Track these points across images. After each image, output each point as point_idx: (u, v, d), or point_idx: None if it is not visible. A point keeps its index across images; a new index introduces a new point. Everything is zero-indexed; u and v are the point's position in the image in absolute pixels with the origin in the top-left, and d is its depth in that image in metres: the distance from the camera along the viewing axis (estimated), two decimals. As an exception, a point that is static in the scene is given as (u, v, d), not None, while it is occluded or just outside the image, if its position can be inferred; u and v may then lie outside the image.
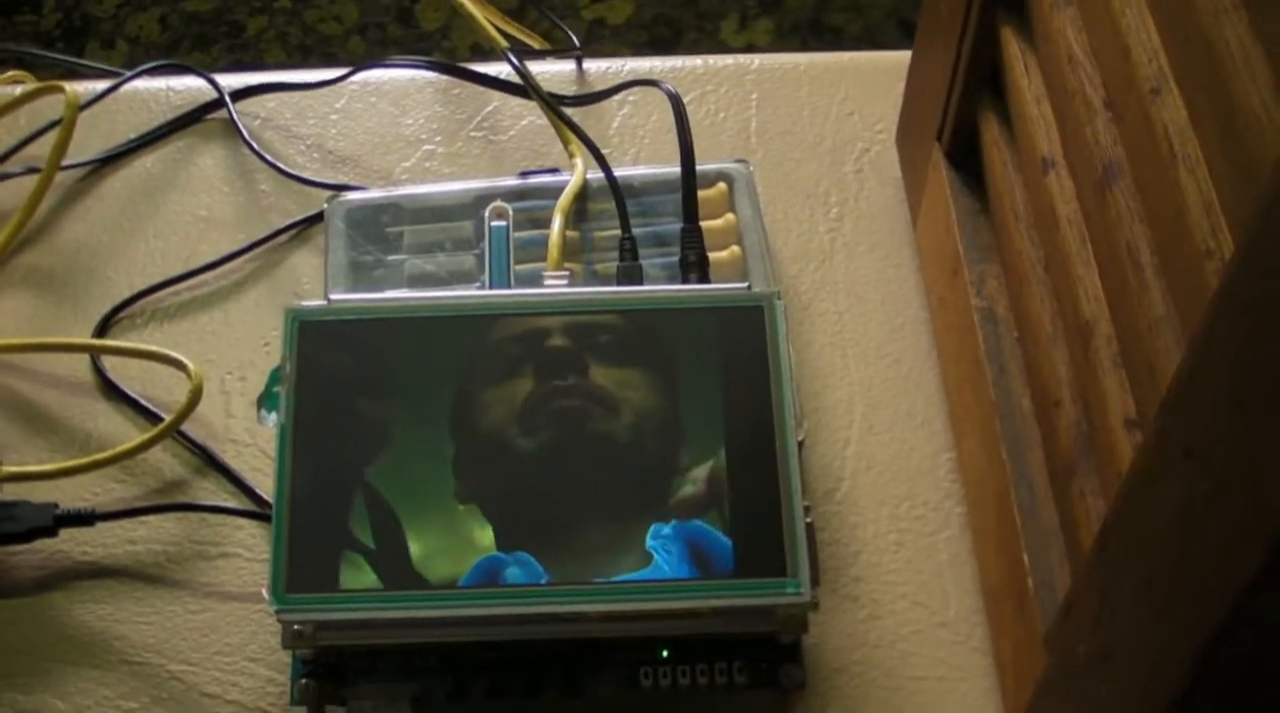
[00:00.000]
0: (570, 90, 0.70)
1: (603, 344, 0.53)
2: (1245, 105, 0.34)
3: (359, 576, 0.50)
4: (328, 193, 0.64)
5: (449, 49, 1.67)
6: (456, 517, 0.51)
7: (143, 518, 0.57)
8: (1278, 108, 0.34)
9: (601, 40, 1.68)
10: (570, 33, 0.72)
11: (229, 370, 0.61)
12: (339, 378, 0.53)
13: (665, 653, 0.51)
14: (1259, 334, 0.30)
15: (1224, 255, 0.36)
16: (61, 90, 0.66)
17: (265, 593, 0.50)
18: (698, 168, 0.61)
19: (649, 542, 0.50)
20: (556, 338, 0.53)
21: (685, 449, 0.52)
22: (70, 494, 0.58)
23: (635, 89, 0.68)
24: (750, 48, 1.66)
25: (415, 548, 0.50)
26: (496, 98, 0.69)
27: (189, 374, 0.58)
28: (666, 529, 0.50)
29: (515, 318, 0.54)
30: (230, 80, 0.70)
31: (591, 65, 0.71)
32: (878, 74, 0.69)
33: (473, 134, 0.68)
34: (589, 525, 0.51)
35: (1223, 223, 0.37)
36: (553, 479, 0.51)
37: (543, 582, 0.50)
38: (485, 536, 0.50)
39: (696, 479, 0.51)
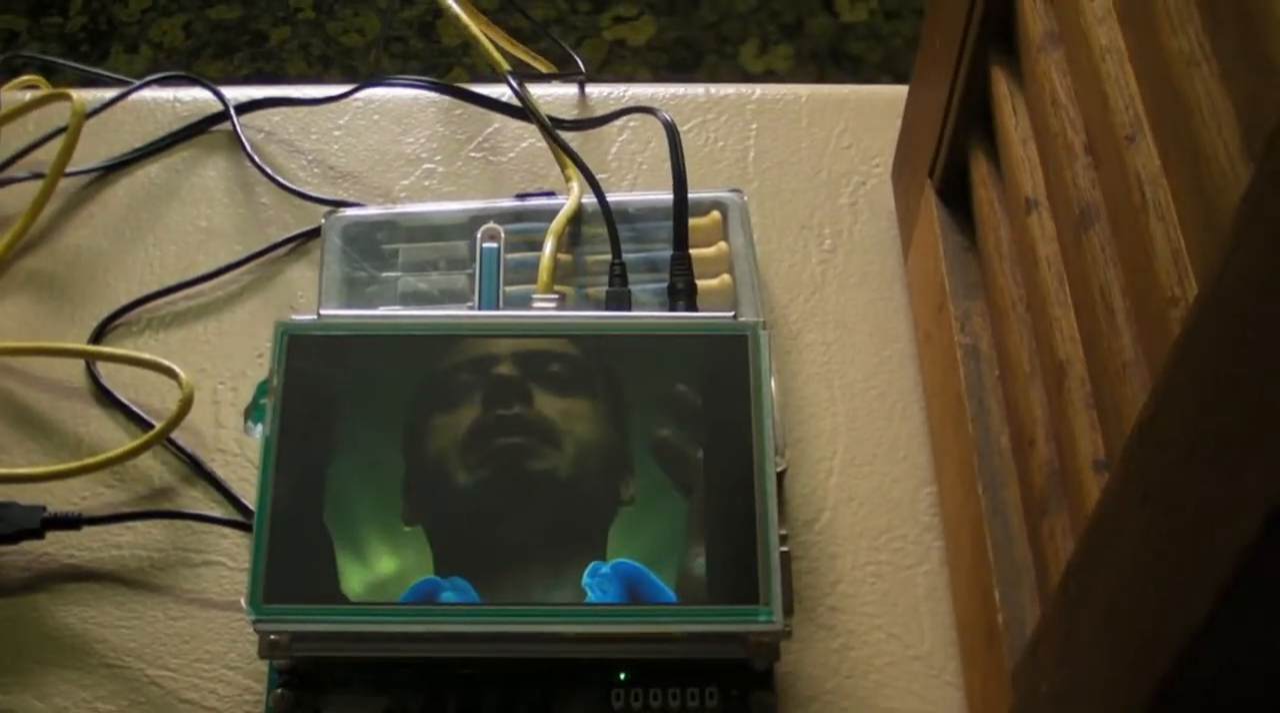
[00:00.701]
0: (572, 115, 0.70)
1: (553, 372, 0.54)
2: (1212, 156, 0.35)
3: (336, 588, 0.50)
4: (325, 208, 0.65)
5: (469, 65, 1.68)
6: (402, 538, 0.51)
7: (129, 523, 0.58)
8: (1243, 160, 0.34)
9: (622, 61, 1.68)
10: (577, 57, 0.73)
11: (221, 381, 0.62)
12: (325, 392, 0.53)
13: (623, 676, 0.52)
14: (1215, 383, 0.31)
15: (1189, 303, 0.37)
16: (69, 98, 0.66)
17: (244, 603, 0.50)
18: (693, 196, 0.62)
19: (585, 579, 0.50)
20: (504, 366, 0.54)
21: (631, 481, 0.52)
22: (59, 497, 0.58)
23: (635, 115, 0.69)
24: (770, 73, 1.67)
25: (356, 564, 0.51)
26: (498, 119, 0.70)
27: (180, 383, 0.58)
28: (605, 569, 0.51)
29: (469, 341, 0.54)
30: (236, 93, 0.71)
31: (595, 90, 0.72)
32: (877, 108, 0.70)
33: (472, 154, 0.69)
34: (526, 558, 0.51)
35: (1190, 271, 0.37)
36: (492, 512, 0.52)
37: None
38: (427, 559, 0.51)
39: (644, 512, 0.52)
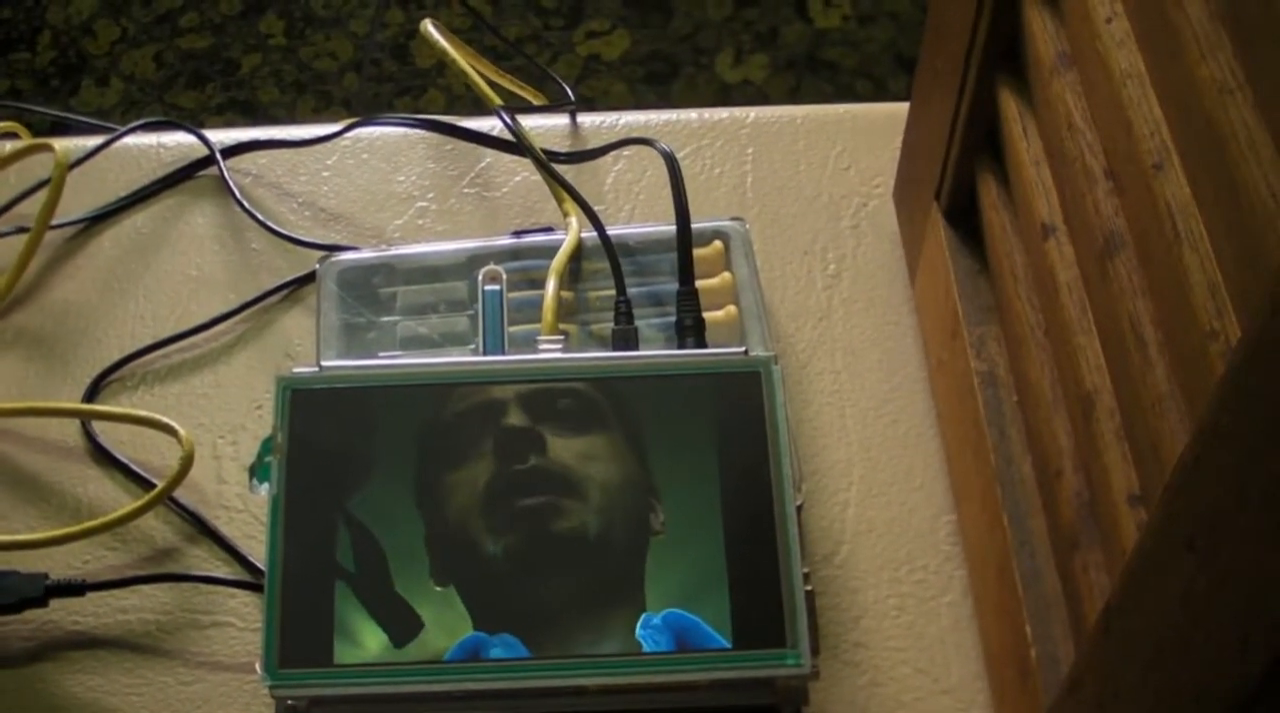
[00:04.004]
0: (564, 145, 0.69)
1: (563, 411, 0.53)
2: (1250, 188, 0.34)
3: (353, 649, 0.49)
4: (319, 252, 0.63)
5: (444, 86, 1.66)
6: (430, 596, 0.50)
7: (134, 587, 0.56)
8: (1284, 191, 0.33)
9: (597, 76, 1.67)
10: (564, 84, 0.71)
11: (221, 435, 0.61)
12: (332, 447, 0.52)
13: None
14: (1267, 428, 0.30)
15: (1229, 338, 0.36)
16: (51, 149, 0.65)
17: (259, 668, 0.49)
18: (694, 226, 0.60)
19: (639, 631, 0.49)
20: (514, 413, 0.53)
21: (658, 511, 0.51)
22: (60, 562, 0.57)
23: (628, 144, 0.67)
24: (746, 83, 1.66)
25: (377, 624, 0.50)
26: (489, 153, 0.68)
27: (180, 440, 0.57)
28: (656, 620, 0.49)
29: (476, 387, 0.53)
30: (221, 136, 0.69)
31: (586, 119, 0.70)
32: (875, 126, 0.69)
33: (466, 191, 0.68)
34: (567, 609, 0.50)
35: (1228, 305, 0.36)
36: (527, 566, 0.51)
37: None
38: (461, 616, 0.50)
39: (676, 546, 0.51)
